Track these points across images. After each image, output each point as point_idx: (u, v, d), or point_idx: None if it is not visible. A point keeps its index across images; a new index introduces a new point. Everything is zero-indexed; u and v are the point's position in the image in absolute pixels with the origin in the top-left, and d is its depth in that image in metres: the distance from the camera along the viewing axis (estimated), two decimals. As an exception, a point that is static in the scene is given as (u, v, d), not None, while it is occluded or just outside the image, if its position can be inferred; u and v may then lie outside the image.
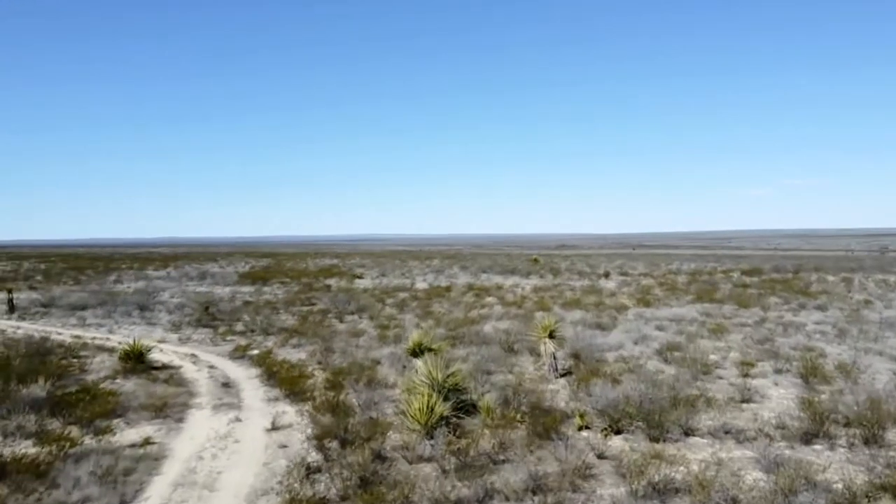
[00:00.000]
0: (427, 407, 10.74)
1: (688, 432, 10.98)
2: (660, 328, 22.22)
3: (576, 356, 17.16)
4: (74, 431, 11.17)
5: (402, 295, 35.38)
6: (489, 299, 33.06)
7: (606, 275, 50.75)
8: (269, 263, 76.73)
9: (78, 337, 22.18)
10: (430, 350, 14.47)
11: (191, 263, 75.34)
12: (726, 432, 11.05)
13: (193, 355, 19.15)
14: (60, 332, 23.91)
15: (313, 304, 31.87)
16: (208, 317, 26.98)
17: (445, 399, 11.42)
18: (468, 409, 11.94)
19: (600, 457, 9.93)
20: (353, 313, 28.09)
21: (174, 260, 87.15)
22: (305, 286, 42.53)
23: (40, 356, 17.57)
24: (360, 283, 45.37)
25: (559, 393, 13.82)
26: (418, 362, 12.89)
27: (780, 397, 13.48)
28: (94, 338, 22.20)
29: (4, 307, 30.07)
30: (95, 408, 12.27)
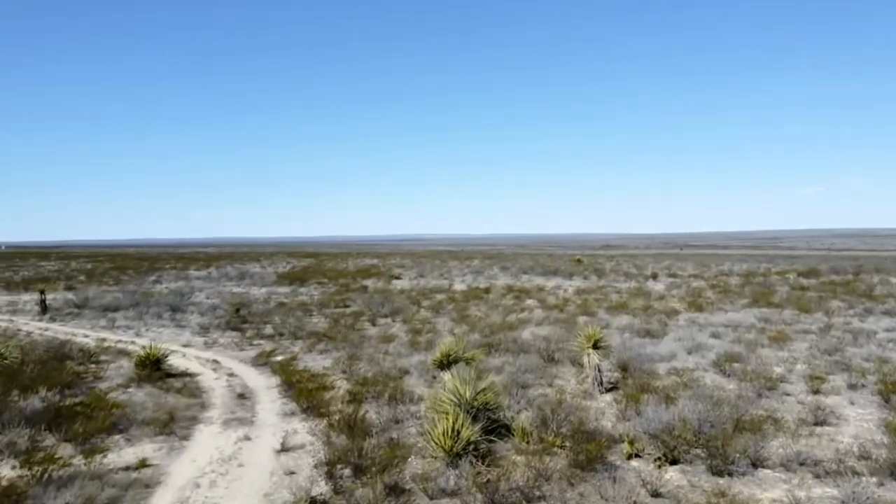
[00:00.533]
0: (452, 430, 9.43)
1: (756, 463, 9.43)
2: (715, 335, 20.42)
3: (623, 367, 15.65)
4: (67, 450, 10.21)
5: (439, 297, 34.17)
6: (529, 302, 31.56)
7: (654, 276, 48.59)
8: (309, 264, 76.31)
9: (103, 340, 21.54)
10: (461, 360, 13.19)
11: (233, 263, 75.36)
12: (801, 463, 9.47)
13: (215, 361, 18.23)
14: (87, 334, 23.39)
15: (347, 306, 30.88)
16: (238, 319, 26.20)
17: (475, 419, 10.10)
18: (500, 430, 10.60)
19: (654, 495, 8.46)
20: (386, 316, 26.99)
21: (217, 260, 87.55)
22: (342, 287, 41.66)
23: (57, 361, 16.83)
24: (398, 284, 44.30)
25: (605, 412, 12.31)
26: (446, 376, 11.56)
27: (858, 419, 11.80)
28: (118, 341, 21.55)
29: (38, 308, 29.87)
30: (96, 422, 11.32)
